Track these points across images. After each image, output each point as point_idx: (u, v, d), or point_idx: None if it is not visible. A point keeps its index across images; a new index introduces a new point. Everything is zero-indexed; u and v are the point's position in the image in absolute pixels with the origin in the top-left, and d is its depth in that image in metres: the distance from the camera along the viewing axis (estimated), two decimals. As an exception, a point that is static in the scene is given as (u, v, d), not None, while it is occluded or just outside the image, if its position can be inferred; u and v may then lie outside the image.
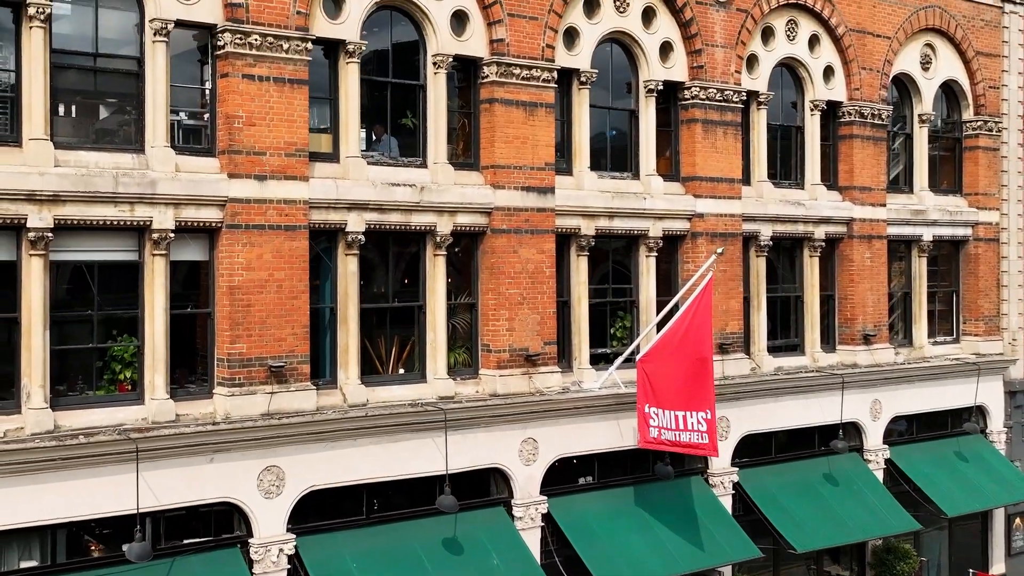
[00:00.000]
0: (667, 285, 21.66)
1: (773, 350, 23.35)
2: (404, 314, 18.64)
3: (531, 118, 19.16)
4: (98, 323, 15.65)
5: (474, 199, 18.61)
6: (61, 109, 15.40)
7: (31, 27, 14.68)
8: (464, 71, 19.08)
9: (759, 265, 22.98)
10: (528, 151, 19.14)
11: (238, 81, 16.19)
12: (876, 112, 24.48)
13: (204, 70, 16.73)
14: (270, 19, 16.40)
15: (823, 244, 23.92)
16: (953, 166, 27.31)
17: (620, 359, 19.92)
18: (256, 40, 16.24)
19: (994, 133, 27.09)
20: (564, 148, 20.25)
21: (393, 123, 18.75)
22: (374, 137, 18.79)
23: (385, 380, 18.20)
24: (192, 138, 16.56)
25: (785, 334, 23.94)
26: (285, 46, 16.52)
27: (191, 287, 16.63)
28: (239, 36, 16.13)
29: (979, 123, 26.84)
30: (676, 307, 20.04)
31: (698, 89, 21.41)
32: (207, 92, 16.55)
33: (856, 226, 24.29)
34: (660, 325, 20.07)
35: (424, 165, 18.49)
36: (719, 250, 20.05)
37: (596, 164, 20.60)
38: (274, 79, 16.48)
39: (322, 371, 17.59)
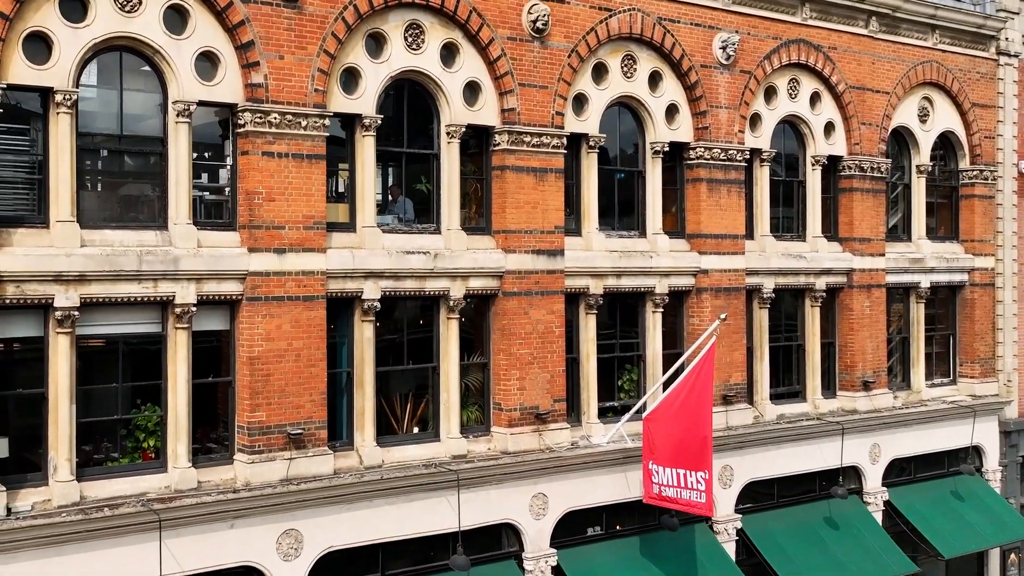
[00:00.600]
0: (673, 338, 21.56)
1: (775, 397, 23.21)
2: (419, 375, 18.55)
3: (541, 183, 19.05)
4: (123, 394, 15.60)
5: (486, 264, 18.51)
6: (87, 188, 15.32)
7: (58, 113, 14.63)
8: (477, 137, 18.97)
9: (762, 317, 22.84)
10: (538, 215, 19.03)
11: (258, 159, 16.11)
12: (875, 166, 24.32)
13: (225, 144, 16.65)
14: (289, 97, 16.33)
15: (824, 294, 23.76)
16: (950, 213, 27.14)
17: (627, 416, 19.79)
18: (275, 119, 16.17)
19: (989, 181, 26.90)
20: (573, 208, 20.12)
21: (408, 187, 18.69)
22: (390, 198, 18.71)
23: (400, 440, 18.12)
24: (214, 212, 16.48)
25: (787, 381, 23.79)
26: (303, 123, 16.44)
27: (212, 356, 16.50)
28: (259, 115, 16.06)
29: (975, 172, 26.67)
30: (682, 365, 19.85)
31: (703, 149, 21.27)
32: (228, 168, 16.45)
33: (856, 276, 24.13)
34: (667, 380, 19.95)
35: (438, 231, 18.40)
36: (722, 316, 19.91)
37: (604, 222, 20.48)
38: (293, 155, 16.39)
39: (339, 433, 17.48)
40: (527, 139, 18.82)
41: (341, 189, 17.94)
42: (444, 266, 18.01)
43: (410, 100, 18.26)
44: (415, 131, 18.49)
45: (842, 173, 24.14)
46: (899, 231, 26.01)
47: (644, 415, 19.28)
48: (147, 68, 15.62)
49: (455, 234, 18.33)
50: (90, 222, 15.12)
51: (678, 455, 18.56)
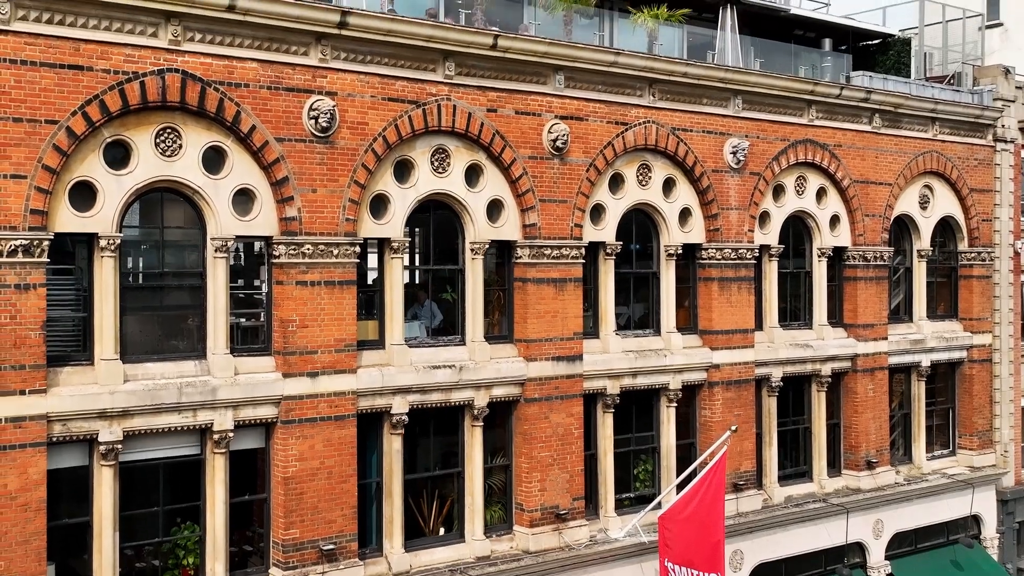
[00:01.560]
0: (686, 429, 21.31)
1: (783, 478, 22.93)
2: (445, 480, 18.32)
3: (561, 293, 18.82)
4: (163, 515, 15.41)
5: (509, 373, 18.28)
6: (130, 320, 15.09)
7: (102, 256, 14.46)
8: (500, 250, 18.72)
9: (771, 404, 22.55)
10: (558, 323, 18.79)
11: (292, 288, 15.92)
12: (878, 255, 24.02)
13: (260, 268, 16.46)
14: (321, 228, 16.13)
15: (829, 379, 23.47)
16: (949, 291, 26.79)
17: (642, 512, 19.50)
18: (309, 249, 15.97)
19: (987, 262, 26.58)
20: (591, 309, 19.86)
21: (434, 295, 18.46)
22: (417, 302, 18.48)
23: (427, 542, 17.88)
24: (250, 337, 16.26)
25: (794, 462, 23.48)
26: (335, 252, 16.24)
27: (248, 472, 16.28)
28: (293, 247, 15.87)
29: (973, 254, 26.34)
30: (695, 470, 19.55)
31: (714, 250, 21.02)
32: (264, 295, 16.27)
33: (860, 361, 23.82)
34: (681, 483, 19.67)
35: (463, 342, 18.17)
36: (733, 428, 19.57)
37: (620, 320, 20.24)
38: (325, 283, 16.19)
39: (368, 540, 17.25)
40: (547, 252, 18.59)
41: (370, 296, 17.72)
42: (469, 378, 17.80)
43: (436, 218, 18.06)
44: (441, 246, 18.29)
45: (847, 263, 23.83)
46: (901, 312, 25.66)
47: (660, 514, 18.98)
48: (187, 206, 15.44)
49: (479, 346, 18.10)
50: (133, 355, 14.93)
51: (692, 556, 18.30)
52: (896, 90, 24.15)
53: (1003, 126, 26.47)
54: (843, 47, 27.92)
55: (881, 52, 27.99)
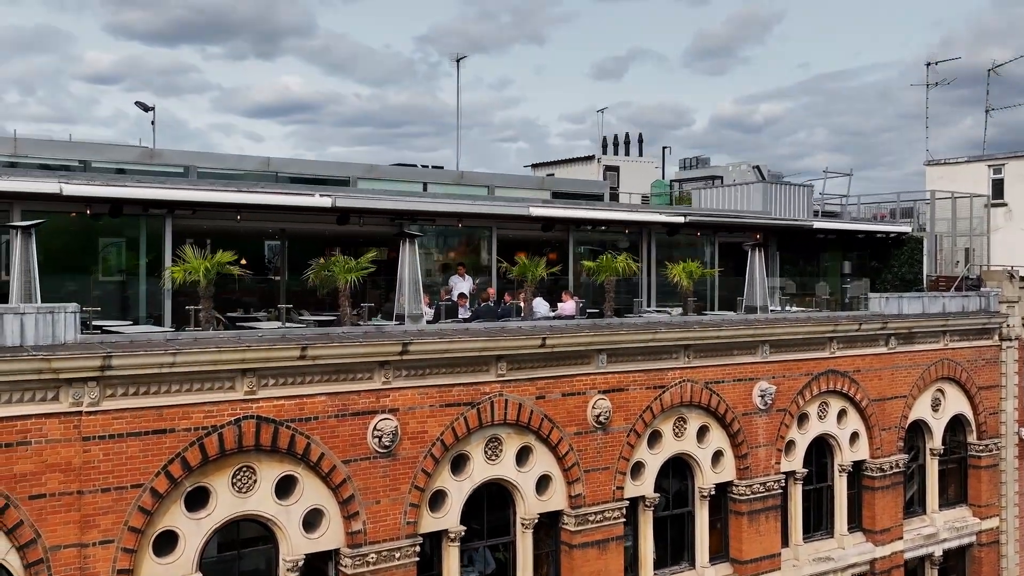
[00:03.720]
0: (718, 653, 20.53)
1: None
2: None
3: (603, 553, 18.10)
4: None
5: (557, 638, 17.60)
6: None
7: (183, 596, 13.92)
8: (547, 516, 18.00)
9: (796, 617, 21.73)
10: (601, 582, 18.10)
11: (358, 597, 15.32)
12: (894, 464, 23.14)
13: (328, 565, 15.84)
14: (384, 535, 15.51)
15: (850, 584, 22.62)
16: (959, 477, 25.79)
17: None
18: (372, 558, 15.36)
19: (994, 452, 25.58)
20: (631, 553, 19.13)
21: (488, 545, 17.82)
22: (474, 550, 17.79)
23: None
24: (319, 637, 15.67)
25: (818, 663, 22.59)
26: (397, 555, 15.61)
27: None
28: (358, 559, 15.25)
29: (982, 446, 25.37)
30: None
31: (744, 487, 20.25)
32: (331, 597, 15.69)
33: (878, 564, 22.91)
34: None
35: (514, 614, 17.50)
36: None
37: (657, 558, 19.50)
38: (387, 586, 15.58)
39: None
40: (591, 518, 17.89)
41: None
42: (520, 649, 17.13)
43: (488, 497, 17.39)
44: (493, 519, 17.61)
45: (865, 473, 22.97)
46: (914, 503, 24.73)
47: None
48: (260, 528, 14.86)
49: (529, 618, 17.44)
50: (209, 674, 14.39)
51: None
52: (910, 312, 23.28)
53: (1008, 325, 25.52)
54: (861, 236, 27.14)
55: (896, 246, 27.13)
